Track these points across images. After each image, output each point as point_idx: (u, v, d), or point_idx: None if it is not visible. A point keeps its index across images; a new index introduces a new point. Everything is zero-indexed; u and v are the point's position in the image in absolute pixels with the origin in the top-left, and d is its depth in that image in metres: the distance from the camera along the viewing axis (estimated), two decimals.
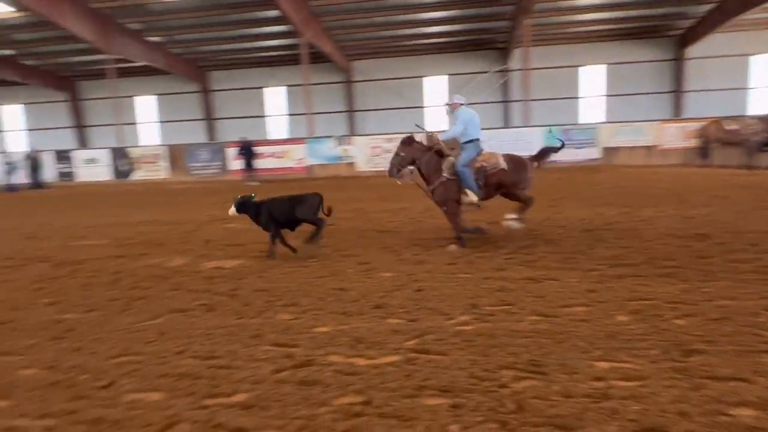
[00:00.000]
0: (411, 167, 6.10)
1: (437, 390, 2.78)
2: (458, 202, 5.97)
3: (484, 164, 5.91)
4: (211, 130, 26.37)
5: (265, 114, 26.12)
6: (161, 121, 26.67)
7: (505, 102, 24.65)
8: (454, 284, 4.62)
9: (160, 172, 19.63)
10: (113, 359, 3.33)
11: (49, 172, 19.84)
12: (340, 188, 14.33)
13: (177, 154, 19.85)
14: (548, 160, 6.13)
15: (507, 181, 5.89)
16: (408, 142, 6.11)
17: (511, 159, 5.99)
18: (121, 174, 19.55)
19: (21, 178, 18.91)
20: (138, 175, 19.63)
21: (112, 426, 2.56)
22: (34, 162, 18.96)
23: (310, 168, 19.10)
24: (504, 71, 24.10)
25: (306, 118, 20.73)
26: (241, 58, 24.49)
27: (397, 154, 6.09)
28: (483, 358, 3.13)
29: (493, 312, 3.91)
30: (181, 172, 19.73)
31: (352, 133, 24.81)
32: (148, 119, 26.71)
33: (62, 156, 20.11)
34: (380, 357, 3.20)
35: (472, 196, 5.93)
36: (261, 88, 25.88)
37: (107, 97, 24.88)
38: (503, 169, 5.86)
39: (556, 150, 6.07)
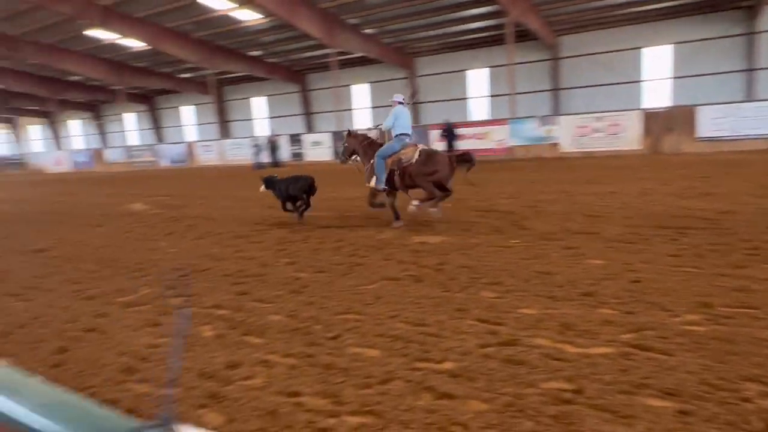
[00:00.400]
0: (355, 155, 7.43)
1: (660, 391, 2.51)
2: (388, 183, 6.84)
3: (402, 157, 6.66)
4: (416, 114, 27.60)
5: (467, 96, 26.25)
6: (373, 107, 28.89)
7: (750, 71, 20.36)
8: (679, 278, 4.07)
9: None
10: (339, 315, 3.79)
11: (285, 152, 23.23)
12: (543, 169, 13.69)
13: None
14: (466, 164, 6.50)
15: (413, 172, 6.51)
16: (350, 134, 7.50)
17: (424, 152, 6.57)
18: (339, 154, 21.95)
19: (265, 157, 22.56)
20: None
21: (340, 372, 2.92)
22: (273, 144, 22.40)
23: (511, 149, 18.64)
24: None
25: (508, 99, 20.22)
26: (445, 43, 24.93)
27: (343, 144, 7.53)
28: (719, 365, 2.71)
29: (731, 314, 3.35)
30: None
31: (557, 112, 23.38)
32: (362, 105, 29.20)
33: (294, 139, 23.33)
34: (591, 347, 3.01)
35: (372, 182, 6.84)
36: (464, 70, 26.02)
37: (329, 87, 27.86)
38: (413, 162, 6.52)
39: (470, 162, 6.46)
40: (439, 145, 18.95)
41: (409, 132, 6.92)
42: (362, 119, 29.29)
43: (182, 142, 28.17)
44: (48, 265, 6.10)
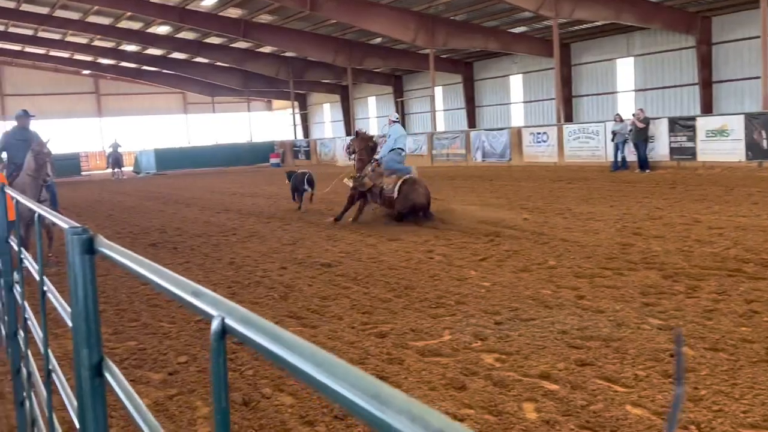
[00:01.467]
0: (354, 155, 12.92)
1: None
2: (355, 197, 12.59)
3: (384, 186, 11.99)
4: None
5: None
6: None
7: None
8: None
9: None
10: (750, 429, 3.51)
11: (662, 145, 22.45)
12: None
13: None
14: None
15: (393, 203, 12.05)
16: (357, 135, 13.33)
17: (403, 187, 11.89)
18: (760, 152, 19.99)
19: (628, 152, 22.25)
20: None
21: None
22: (641, 132, 21.95)
23: None
24: None
25: None
26: None
27: (351, 142, 13.44)
28: None
29: None
30: None
31: None
32: None
33: (680, 125, 22.34)
34: None
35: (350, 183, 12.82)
36: None
37: (750, 38, 25.75)
38: (393, 197, 11.88)
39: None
40: None
41: (405, 148, 12.96)
42: None
43: (504, 129, 30.14)
44: (334, 284, 7.39)
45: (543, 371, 4.45)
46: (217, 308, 0.82)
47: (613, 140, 22.91)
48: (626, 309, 5.74)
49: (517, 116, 36.94)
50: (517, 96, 37.37)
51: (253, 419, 4.04)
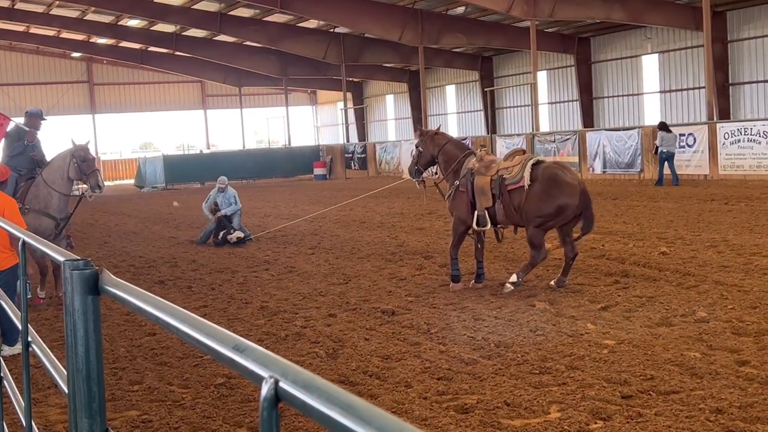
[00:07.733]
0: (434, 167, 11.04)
1: None
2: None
3: (504, 173, 9.37)
4: None
5: None
6: None
7: None
8: None
9: None
10: None
11: None
12: None
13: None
14: None
15: (520, 204, 9.40)
16: (422, 134, 10.93)
17: (542, 172, 9.33)
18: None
19: None
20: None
21: None
22: None
23: None
24: None
25: None
26: None
27: (417, 149, 10.85)
28: None
29: None
30: None
31: None
32: None
33: None
34: None
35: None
36: None
37: None
38: (524, 187, 9.38)
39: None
40: None
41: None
42: None
43: (634, 128, 29.67)
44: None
45: None
46: (268, 368, 0.83)
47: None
48: None
49: (652, 111, 36.38)
50: (651, 84, 36.85)
51: None
